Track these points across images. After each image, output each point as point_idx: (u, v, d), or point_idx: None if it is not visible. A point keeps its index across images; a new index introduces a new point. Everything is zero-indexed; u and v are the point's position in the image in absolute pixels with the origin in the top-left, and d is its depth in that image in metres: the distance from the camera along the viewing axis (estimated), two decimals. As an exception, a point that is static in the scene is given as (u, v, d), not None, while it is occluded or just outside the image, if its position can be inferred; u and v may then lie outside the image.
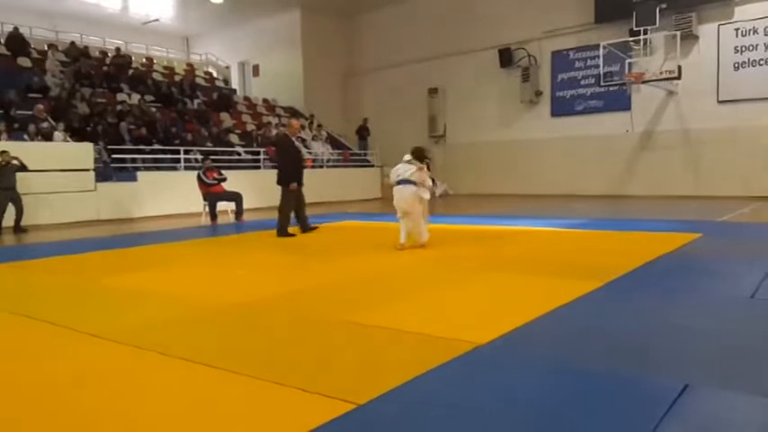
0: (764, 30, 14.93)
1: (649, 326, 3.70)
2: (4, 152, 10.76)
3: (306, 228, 9.08)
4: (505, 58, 19.28)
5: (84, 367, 3.17)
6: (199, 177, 11.80)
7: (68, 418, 2.49)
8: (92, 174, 12.96)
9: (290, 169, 8.88)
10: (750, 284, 4.63)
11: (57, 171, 12.36)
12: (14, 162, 10.79)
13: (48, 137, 12.91)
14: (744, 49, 15.23)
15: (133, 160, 14.61)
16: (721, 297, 4.44)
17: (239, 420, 2.41)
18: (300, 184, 8.97)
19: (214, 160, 13.04)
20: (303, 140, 19.33)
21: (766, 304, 4.18)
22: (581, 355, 3.14)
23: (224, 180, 11.98)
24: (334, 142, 21.14)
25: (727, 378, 2.75)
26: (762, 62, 15.01)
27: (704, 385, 2.61)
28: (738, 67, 15.34)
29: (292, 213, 9.03)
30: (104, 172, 13.39)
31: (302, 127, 8.69)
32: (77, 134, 13.79)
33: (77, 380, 2.96)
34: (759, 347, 3.19)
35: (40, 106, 13.70)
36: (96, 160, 13.18)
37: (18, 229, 10.88)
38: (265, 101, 22.53)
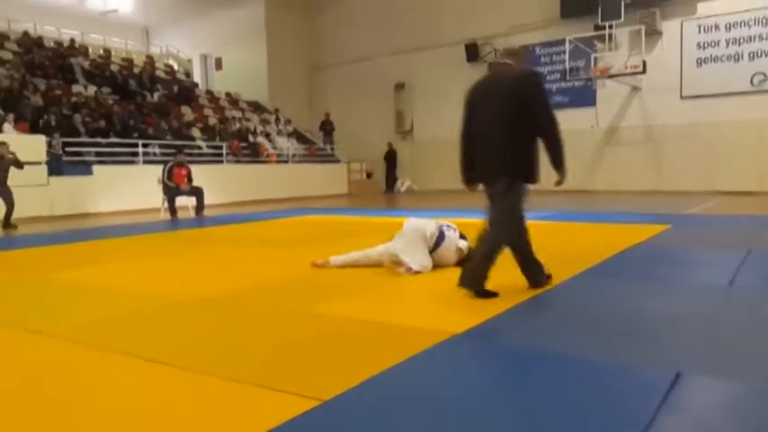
0: (726, 26, 15.13)
1: (630, 313, 3.54)
2: (2, 144, 10.13)
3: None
4: (472, 52, 19.19)
5: (34, 367, 2.86)
6: (164, 178, 11.41)
7: (19, 420, 2.20)
8: (44, 167, 12.38)
9: None
10: (727, 273, 4.53)
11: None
12: (10, 156, 10.11)
13: (-3, 129, 12.29)
14: (706, 45, 15.42)
15: (89, 154, 14.04)
16: (699, 285, 4.31)
17: (197, 420, 2.16)
18: None
19: (175, 154, 12.49)
20: (268, 135, 18.97)
21: (744, 292, 4.07)
22: (563, 342, 2.95)
23: (191, 184, 11.63)
24: (299, 137, 20.78)
25: (716, 365, 2.59)
26: (723, 58, 15.21)
27: (695, 373, 2.44)
28: (701, 63, 15.52)
29: None
30: (57, 165, 12.80)
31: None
32: (30, 126, 13.18)
33: (27, 380, 2.68)
34: (742, 335, 3.05)
35: (-11, 97, 13.06)
36: (49, 153, 12.60)
37: (7, 224, 10.04)
38: (228, 95, 21.99)
